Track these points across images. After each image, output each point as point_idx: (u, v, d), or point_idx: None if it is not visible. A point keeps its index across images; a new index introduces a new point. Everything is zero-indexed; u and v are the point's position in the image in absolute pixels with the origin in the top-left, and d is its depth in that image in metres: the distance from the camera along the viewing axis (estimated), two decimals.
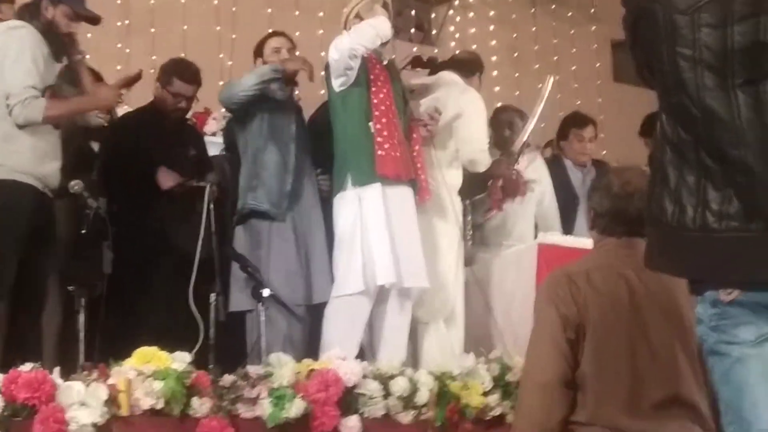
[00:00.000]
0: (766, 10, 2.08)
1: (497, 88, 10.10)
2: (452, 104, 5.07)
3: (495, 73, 10.10)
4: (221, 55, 8.46)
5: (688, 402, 2.81)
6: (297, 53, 5.21)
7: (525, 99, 10.08)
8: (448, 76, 5.30)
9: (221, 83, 7.87)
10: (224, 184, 4.90)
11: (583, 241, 5.06)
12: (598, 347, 2.81)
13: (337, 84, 4.71)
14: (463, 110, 5.07)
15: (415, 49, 9.83)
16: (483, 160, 5.15)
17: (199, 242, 4.47)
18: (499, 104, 9.91)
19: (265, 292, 4.32)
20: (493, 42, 10.14)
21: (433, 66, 5.52)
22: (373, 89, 4.72)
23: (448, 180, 5.01)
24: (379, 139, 4.63)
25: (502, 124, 5.78)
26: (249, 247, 4.70)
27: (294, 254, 4.73)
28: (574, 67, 10.50)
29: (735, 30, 2.09)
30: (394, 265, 4.52)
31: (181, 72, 5.13)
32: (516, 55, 10.30)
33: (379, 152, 4.61)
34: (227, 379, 3.90)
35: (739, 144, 2.08)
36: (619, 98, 10.71)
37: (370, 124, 4.65)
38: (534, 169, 5.87)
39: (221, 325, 4.32)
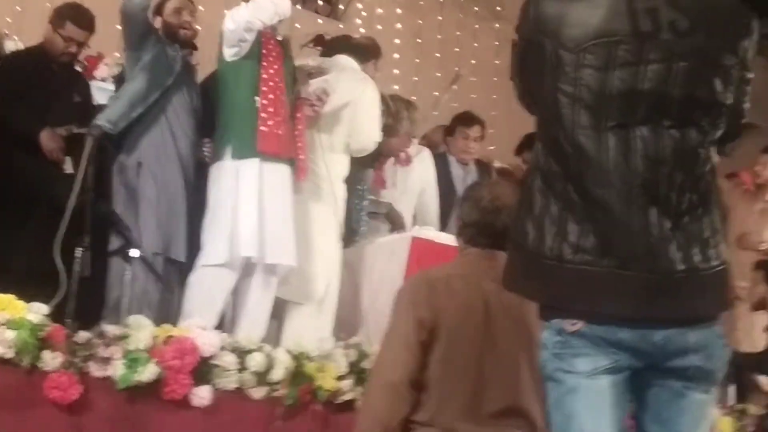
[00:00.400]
0: (645, 60, 2.17)
1: (396, 71, 10.15)
2: (345, 90, 5.06)
3: (396, 56, 10.14)
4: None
5: (526, 414, 2.91)
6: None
7: (422, 85, 10.23)
8: (344, 60, 5.30)
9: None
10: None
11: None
12: (447, 352, 2.89)
13: (228, 54, 4.66)
14: (356, 99, 5.07)
15: (320, 21, 9.86)
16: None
17: (73, 192, 4.36)
18: (395, 87, 10.12)
19: (134, 253, 4.27)
20: (399, 25, 10.17)
21: (331, 47, 5.49)
22: (264, 64, 4.68)
23: (331, 164, 5.01)
24: (263, 114, 4.61)
25: (388, 113, 5.80)
26: (122, 199, 4.64)
27: (155, 204, 4.66)
28: (474, 61, 10.61)
29: (615, 74, 2.17)
30: (260, 240, 4.52)
31: (76, 16, 5.02)
32: (419, 41, 10.34)
33: (262, 128, 4.59)
34: (82, 335, 3.86)
35: (603, 184, 2.17)
36: (513, 97, 10.88)
37: (257, 98, 4.62)
38: (420, 160, 5.94)
39: (85, 280, 4.25)
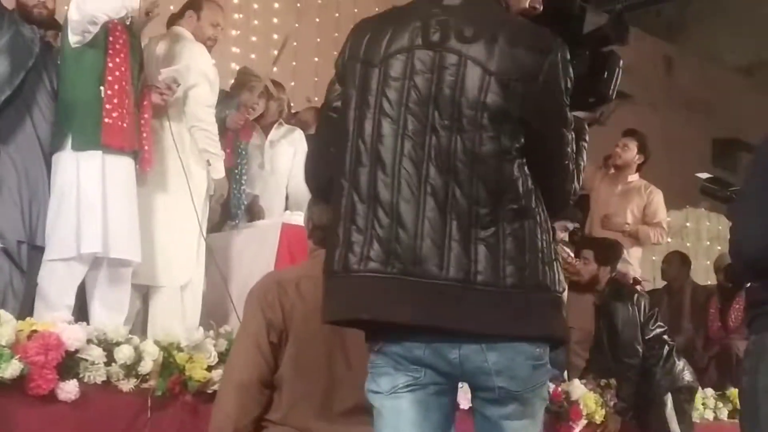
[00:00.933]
0: (439, 68, 2.23)
1: (276, 36, 10.04)
2: (194, 76, 4.99)
3: (275, 20, 10.07)
4: None
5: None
6: None
7: (301, 50, 10.14)
8: (177, 30, 5.15)
9: None
10: None
11: None
12: (297, 353, 2.98)
13: (73, 40, 4.52)
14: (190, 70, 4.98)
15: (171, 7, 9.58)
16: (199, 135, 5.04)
17: None
18: (275, 52, 10.01)
19: None
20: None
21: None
22: (110, 52, 4.56)
23: (185, 150, 4.93)
24: (108, 105, 4.49)
25: (242, 87, 5.75)
26: None
27: (16, 191, 4.53)
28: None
29: (411, 84, 2.25)
30: (104, 235, 4.45)
31: None
32: (298, 6, 10.26)
33: (107, 120, 4.48)
34: None
35: (392, 188, 2.20)
36: None
37: (102, 88, 4.50)
38: (291, 141, 5.92)
39: None
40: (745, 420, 3.13)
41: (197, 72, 4.96)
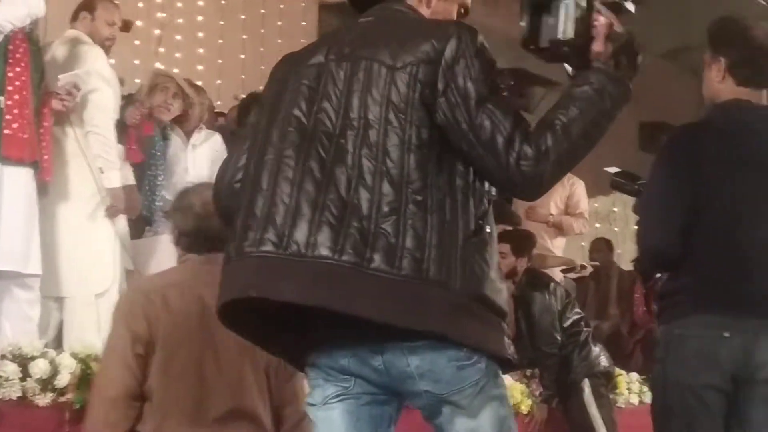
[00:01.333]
0: (350, 75, 2.28)
1: (200, 34, 10.00)
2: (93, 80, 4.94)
3: (200, 18, 9.99)
4: None
5: (251, 414, 3.03)
6: None
7: (227, 48, 10.10)
8: (69, 34, 5.08)
9: None
10: None
11: None
12: (165, 363, 2.95)
13: None
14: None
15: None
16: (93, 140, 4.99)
17: None
18: (201, 50, 9.96)
19: None
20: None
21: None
22: (10, 61, 4.48)
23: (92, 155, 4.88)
24: (8, 116, 4.42)
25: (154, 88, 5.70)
26: None
27: None
28: (280, 23, 10.54)
29: (324, 91, 2.32)
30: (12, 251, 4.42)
31: None
32: (223, 2, 10.18)
33: (6, 131, 4.42)
34: None
35: (293, 179, 2.21)
36: None
37: (1, 98, 4.44)
38: (211, 145, 5.90)
39: None
40: (654, 407, 3.22)
41: (96, 76, 4.90)
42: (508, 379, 5.67)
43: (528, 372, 5.92)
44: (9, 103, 4.44)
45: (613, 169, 4.42)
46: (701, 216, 2.98)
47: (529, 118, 2.33)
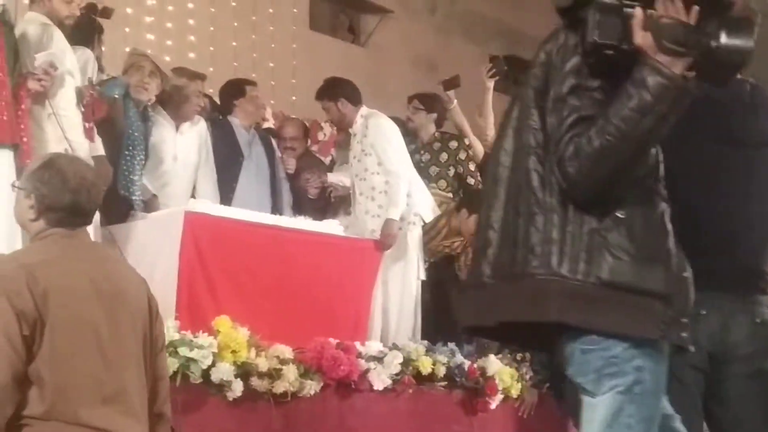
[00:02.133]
0: None
1: (191, 21, 9.95)
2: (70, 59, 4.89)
3: (190, 5, 9.94)
4: None
5: (130, 393, 2.92)
6: None
7: (219, 35, 10.05)
8: (29, 16, 4.96)
9: None
10: None
11: (232, 211, 5.14)
12: (58, 340, 2.78)
13: None
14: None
15: None
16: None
17: None
18: (192, 38, 9.91)
19: None
20: None
21: None
22: None
23: (73, 136, 4.80)
24: None
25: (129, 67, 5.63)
26: None
27: None
28: (271, 10, 10.50)
29: None
30: None
31: None
32: None
33: None
34: None
35: None
36: (313, 45, 10.86)
37: None
38: (198, 132, 5.87)
39: None
40: None
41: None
42: (497, 363, 5.65)
43: (518, 356, 5.88)
44: None
45: None
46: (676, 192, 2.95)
47: None
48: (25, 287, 2.75)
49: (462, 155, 6.59)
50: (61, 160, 3.04)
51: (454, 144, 6.63)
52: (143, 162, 5.53)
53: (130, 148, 5.40)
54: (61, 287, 2.80)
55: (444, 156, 6.59)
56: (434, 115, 6.72)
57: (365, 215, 5.85)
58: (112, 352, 2.88)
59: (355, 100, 6.00)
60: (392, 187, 5.73)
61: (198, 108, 5.99)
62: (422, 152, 6.60)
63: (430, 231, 6.19)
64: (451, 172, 6.56)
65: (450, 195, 6.47)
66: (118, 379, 2.88)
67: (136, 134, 5.46)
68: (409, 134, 6.65)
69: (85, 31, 5.44)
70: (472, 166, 6.63)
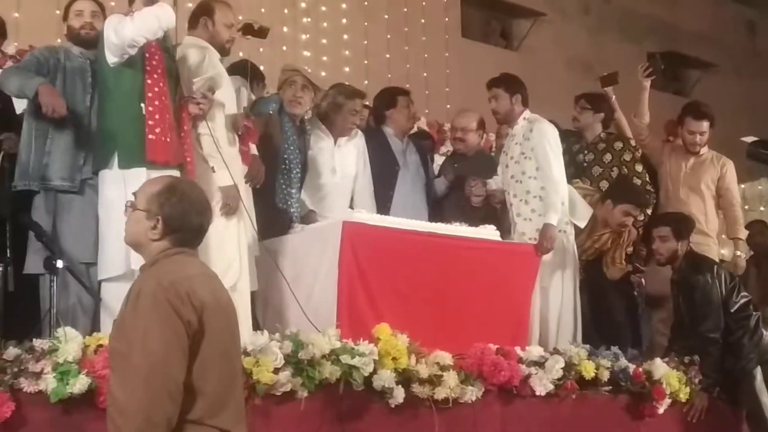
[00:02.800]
0: None
1: (346, 36, 10.13)
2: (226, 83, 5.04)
3: (344, 21, 10.13)
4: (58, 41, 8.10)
5: (240, 400, 3.10)
6: (103, 16, 5.08)
7: (372, 48, 10.20)
8: (187, 41, 5.15)
9: (57, 12, 7.62)
10: None
11: (389, 219, 5.19)
12: (209, 353, 2.93)
13: (111, 60, 4.59)
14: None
15: (240, 17, 9.68)
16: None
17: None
18: (347, 52, 10.08)
19: (59, 264, 4.27)
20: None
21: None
22: (148, 69, 4.62)
23: (228, 156, 4.91)
24: (150, 122, 4.56)
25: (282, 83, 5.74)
26: (45, 215, 4.64)
27: (92, 228, 4.68)
28: (423, 21, 10.57)
29: None
30: None
31: None
32: (366, 4, 10.28)
33: (150, 136, 4.54)
34: (11, 352, 3.86)
35: None
36: (465, 53, 10.87)
37: (142, 105, 4.58)
38: (355, 143, 5.96)
39: (13, 293, 4.26)
40: None
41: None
42: (664, 367, 5.52)
43: (686, 359, 5.72)
44: (150, 109, 4.57)
45: (750, 139, 4.22)
46: None
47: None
48: (188, 299, 2.89)
49: (627, 156, 6.51)
50: (183, 185, 3.15)
51: (619, 145, 6.56)
52: (300, 176, 5.65)
53: (287, 162, 5.53)
54: (209, 301, 2.95)
55: (608, 157, 6.53)
56: (601, 115, 6.65)
57: (517, 218, 5.80)
58: (237, 363, 3.11)
59: (526, 102, 5.96)
60: (550, 193, 5.66)
61: (354, 126, 6.06)
62: (586, 152, 6.56)
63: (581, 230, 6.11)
64: (615, 172, 6.48)
65: (591, 188, 6.38)
66: (240, 388, 3.10)
67: (292, 148, 5.57)
68: (574, 134, 6.59)
69: (239, 72, 5.59)
70: (638, 167, 6.54)
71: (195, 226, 3.08)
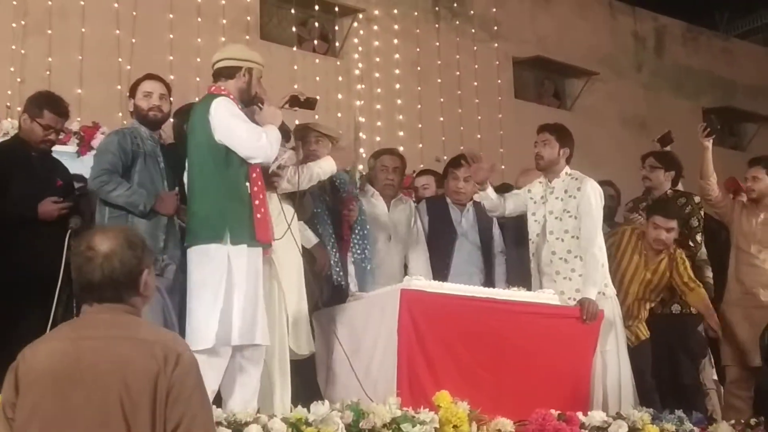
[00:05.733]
0: None
1: (399, 101, 10.23)
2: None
3: (398, 86, 10.24)
4: (120, 59, 8.40)
5: None
6: (170, 98, 5.28)
7: (426, 112, 10.28)
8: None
9: (119, 87, 7.90)
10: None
11: (447, 286, 5.20)
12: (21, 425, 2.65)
13: (243, 153, 4.71)
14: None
15: (318, 60, 9.94)
16: None
17: (60, 275, 4.62)
18: (400, 117, 10.18)
19: None
20: (397, 55, 10.24)
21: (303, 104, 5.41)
22: None
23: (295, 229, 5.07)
24: (256, 202, 4.69)
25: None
26: None
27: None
28: (476, 83, 10.64)
29: None
30: (251, 326, 4.62)
31: (53, 105, 5.17)
32: (419, 69, 10.39)
33: (258, 215, 4.67)
34: None
35: None
36: (519, 114, 10.90)
37: (248, 184, 4.71)
38: (405, 209, 6.02)
39: None
40: None
41: None
42: (728, 430, 5.42)
43: (752, 421, 5.61)
44: (255, 189, 4.73)
45: None
46: None
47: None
48: (13, 370, 2.69)
49: (691, 215, 6.58)
50: (93, 235, 2.81)
51: (682, 200, 6.59)
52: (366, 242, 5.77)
53: (358, 228, 5.66)
54: (41, 368, 2.66)
55: None
56: (672, 173, 6.70)
57: (556, 275, 5.70)
58: None
59: (569, 159, 5.92)
60: (590, 265, 5.55)
61: (389, 181, 6.13)
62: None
63: None
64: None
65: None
66: None
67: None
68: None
69: None
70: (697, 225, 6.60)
71: (75, 278, 2.77)
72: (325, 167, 5.14)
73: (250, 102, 4.91)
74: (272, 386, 4.89)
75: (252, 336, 4.63)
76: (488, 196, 6.00)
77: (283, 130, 4.90)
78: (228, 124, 4.66)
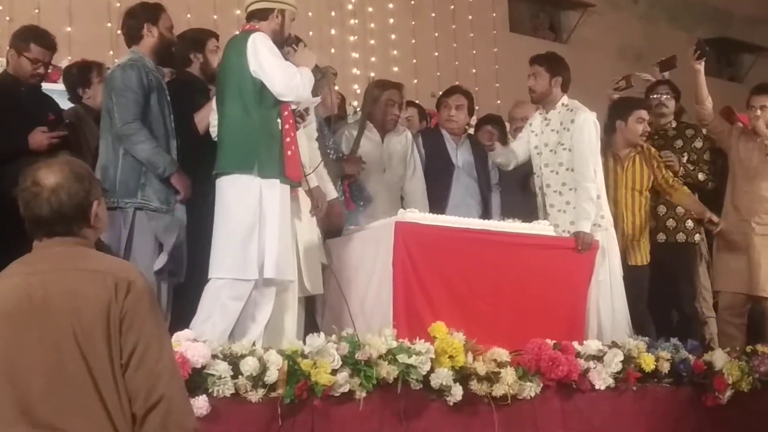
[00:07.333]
0: None
1: (393, 36, 10.14)
2: None
3: (391, 20, 10.13)
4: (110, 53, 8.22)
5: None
6: None
7: (420, 47, 10.19)
8: None
9: (109, 24, 7.79)
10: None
11: (442, 218, 5.18)
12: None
13: (275, 90, 4.69)
14: None
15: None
16: None
17: None
18: (395, 52, 10.09)
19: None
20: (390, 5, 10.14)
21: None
22: None
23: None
24: (287, 139, 4.70)
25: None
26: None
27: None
28: (470, 17, 10.54)
29: None
30: (279, 260, 4.65)
31: (39, 38, 5.12)
32: (413, 3, 10.28)
33: (288, 152, 4.68)
34: None
35: None
36: (514, 47, 10.80)
37: (279, 121, 4.70)
38: (401, 141, 5.98)
39: None
40: None
41: None
42: (725, 357, 5.44)
43: (748, 348, 5.64)
44: (286, 126, 4.74)
45: None
46: None
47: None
48: None
49: (698, 144, 6.60)
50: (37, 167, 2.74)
51: (690, 132, 6.61)
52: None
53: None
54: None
55: (679, 143, 6.59)
56: (679, 104, 6.77)
57: (551, 208, 5.67)
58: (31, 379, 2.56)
59: (566, 87, 5.82)
60: (582, 198, 5.50)
61: (394, 116, 6.06)
62: (655, 137, 6.55)
63: None
64: (684, 158, 6.52)
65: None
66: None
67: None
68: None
69: None
70: (706, 156, 6.60)
71: (24, 214, 2.70)
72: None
73: (283, 43, 4.88)
74: (283, 321, 4.89)
75: (285, 271, 4.68)
76: (499, 153, 6.00)
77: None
78: (266, 57, 4.65)
